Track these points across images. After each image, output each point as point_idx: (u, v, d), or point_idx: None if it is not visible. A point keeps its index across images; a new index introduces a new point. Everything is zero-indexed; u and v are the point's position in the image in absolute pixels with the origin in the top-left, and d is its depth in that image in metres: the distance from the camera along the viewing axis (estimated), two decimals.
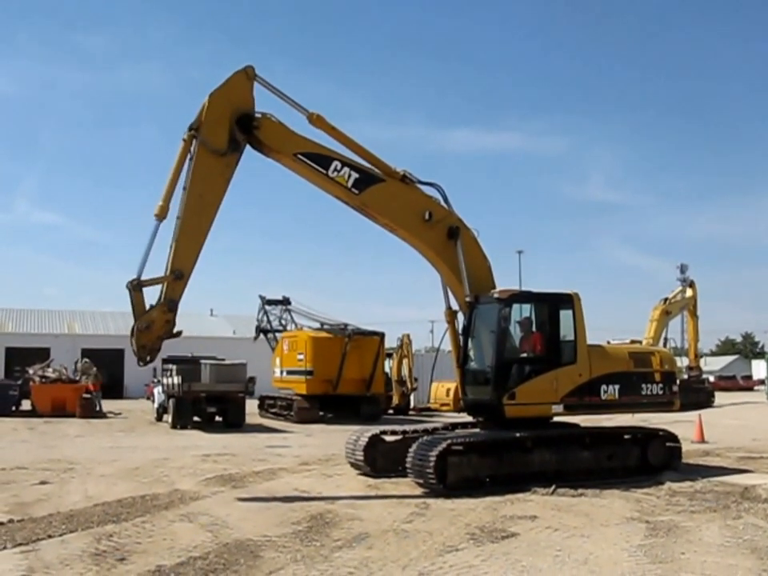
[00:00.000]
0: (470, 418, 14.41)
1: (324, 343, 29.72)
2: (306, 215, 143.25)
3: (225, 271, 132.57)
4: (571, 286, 14.18)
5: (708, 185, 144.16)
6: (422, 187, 13.62)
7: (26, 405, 31.67)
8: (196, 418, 26.22)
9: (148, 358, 11.97)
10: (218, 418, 26.72)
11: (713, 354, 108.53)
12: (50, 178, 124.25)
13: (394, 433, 14.05)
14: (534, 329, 13.56)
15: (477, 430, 13.68)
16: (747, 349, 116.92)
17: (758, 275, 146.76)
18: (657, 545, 8.65)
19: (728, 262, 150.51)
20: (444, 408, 31.13)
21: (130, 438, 22.34)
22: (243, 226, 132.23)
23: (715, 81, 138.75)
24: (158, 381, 30.53)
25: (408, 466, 12.23)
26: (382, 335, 30.85)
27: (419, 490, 12.11)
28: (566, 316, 13.36)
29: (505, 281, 13.98)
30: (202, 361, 27.50)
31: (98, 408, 32.34)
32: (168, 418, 26.70)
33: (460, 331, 13.81)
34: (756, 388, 71.92)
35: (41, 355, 41.49)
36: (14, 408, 31.05)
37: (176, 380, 25.49)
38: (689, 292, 41.71)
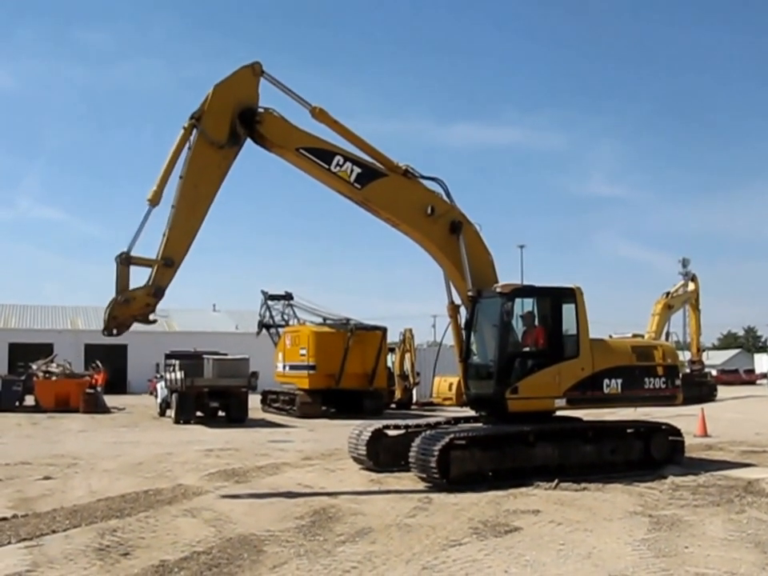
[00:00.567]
0: (472, 413, 14.41)
1: (326, 338, 29.72)
2: (308, 210, 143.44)
3: (227, 267, 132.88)
4: (573, 281, 14.17)
5: (709, 179, 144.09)
6: (425, 182, 13.60)
7: (29, 400, 31.78)
8: (199, 413, 26.22)
9: (114, 332, 11.78)
10: (220, 413, 26.72)
11: (715, 347, 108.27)
12: (52, 174, 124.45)
13: (396, 427, 14.05)
14: (536, 323, 13.55)
15: (479, 425, 13.68)
16: (749, 343, 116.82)
17: (761, 269, 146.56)
18: (660, 539, 8.65)
19: (730, 255, 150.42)
20: (446, 402, 31.12)
21: (134, 433, 22.36)
22: (245, 222, 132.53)
23: (716, 75, 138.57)
24: (161, 376, 30.53)
25: (411, 460, 12.23)
26: (384, 330, 30.82)
27: (422, 485, 12.12)
28: (568, 310, 13.35)
29: (506, 275, 14.00)
30: (205, 356, 27.50)
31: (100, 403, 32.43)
32: (171, 413, 26.70)
33: (462, 326, 13.80)
34: (758, 382, 71.97)
35: (44, 351, 41.63)
36: (17, 403, 31.13)
37: (179, 375, 25.49)
38: (691, 286, 41.69)
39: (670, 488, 11.86)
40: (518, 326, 13.52)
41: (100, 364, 35.67)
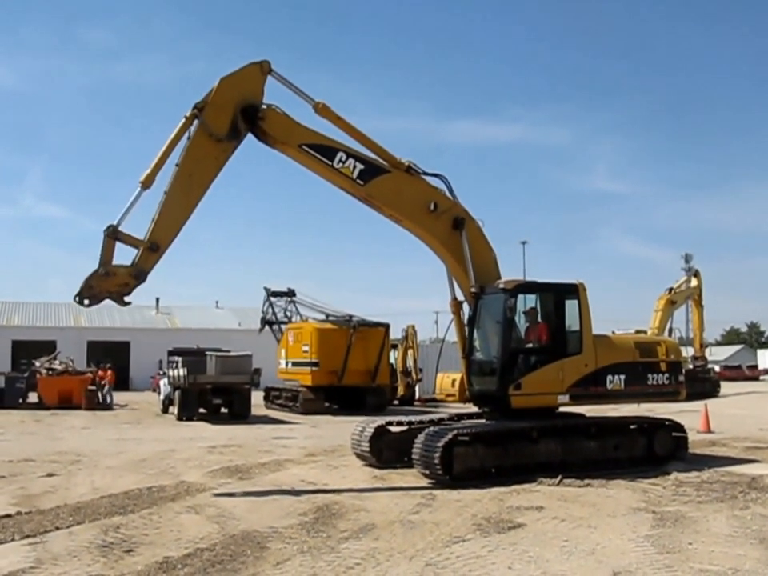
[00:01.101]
0: (475, 409, 14.40)
1: (329, 335, 29.75)
2: (311, 206, 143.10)
3: (230, 263, 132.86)
4: (575, 276, 14.15)
5: (712, 174, 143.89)
6: (427, 178, 13.56)
7: (32, 397, 31.82)
8: (202, 410, 26.28)
9: (86, 302, 11.60)
10: (223, 410, 26.80)
11: (718, 343, 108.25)
12: (55, 171, 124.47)
13: (399, 424, 14.05)
14: (539, 319, 13.54)
15: (482, 421, 13.67)
16: (752, 338, 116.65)
17: (764, 264, 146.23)
18: (664, 535, 8.63)
19: (733, 251, 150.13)
20: (449, 399, 30.92)
21: (136, 430, 22.40)
22: (247, 218, 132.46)
23: (719, 70, 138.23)
24: (164, 373, 30.58)
25: (414, 457, 12.23)
26: (386, 326, 30.85)
27: (425, 481, 12.11)
28: (571, 306, 13.33)
29: (509, 271, 13.97)
30: (208, 353, 27.52)
31: (108, 400, 32.50)
32: (174, 409, 26.78)
33: (465, 322, 13.79)
34: (762, 377, 71.98)
35: (47, 348, 41.62)
36: (20, 400, 31.19)
37: (182, 372, 25.51)
38: (693, 281, 41.62)
39: (673, 484, 11.83)
40: (521, 322, 13.51)
41: (107, 364, 35.67)
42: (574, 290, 13.42)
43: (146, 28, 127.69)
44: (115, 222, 11.46)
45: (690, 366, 39.48)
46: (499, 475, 12.11)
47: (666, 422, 14.28)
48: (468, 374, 13.73)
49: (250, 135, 12.60)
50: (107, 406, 31.87)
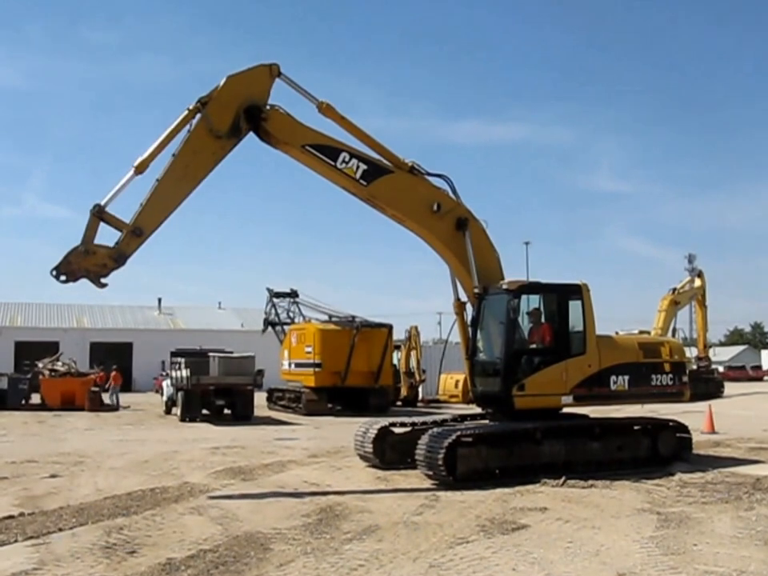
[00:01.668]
0: (478, 410, 14.37)
1: (332, 335, 29.72)
2: (313, 207, 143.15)
3: (232, 264, 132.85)
4: (579, 277, 14.13)
5: (717, 173, 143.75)
6: (431, 179, 13.54)
7: (35, 398, 31.85)
8: (204, 411, 26.28)
9: (62, 278, 11.39)
10: (226, 411, 26.78)
11: (721, 344, 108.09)
12: (58, 171, 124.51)
13: (402, 425, 14.02)
14: (543, 320, 13.51)
15: (486, 422, 13.65)
16: (756, 339, 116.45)
17: None
18: (668, 536, 8.60)
19: (737, 251, 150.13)
20: (453, 400, 31.10)
21: (139, 431, 22.39)
22: (251, 219, 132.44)
23: (725, 68, 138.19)
24: (167, 374, 30.60)
25: (418, 458, 12.20)
26: (389, 327, 30.82)
27: (428, 482, 12.09)
28: (575, 307, 13.30)
29: (512, 272, 13.96)
30: (211, 354, 27.54)
31: (115, 402, 32.50)
32: (177, 410, 26.75)
33: (469, 323, 13.76)
34: (765, 378, 71.83)
35: (50, 349, 41.68)
36: (23, 402, 31.23)
37: (185, 373, 25.53)
38: (697, 282, 41.56)
39: (677, 485, 11.81)
40: (525, 323, 13.48)
41: (112, 366, 35.68)
42: (577, 291, 13.39)
43: (150, 27, 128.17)
44: (102, 202, 11.42)
45: (694, 367, 39.46)
46: (503, 476, 12.08)
47: (670, 423, 14.25)
48: (471, 374, 13.70)
49: (252, 135, 12.59)
50: (114, 408, 31.86)
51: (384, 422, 14.05)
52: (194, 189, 12.12)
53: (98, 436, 20.76)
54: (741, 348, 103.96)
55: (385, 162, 13.19)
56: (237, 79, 12.29)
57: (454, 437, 11.89)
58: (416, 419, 14.47)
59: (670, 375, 14.02)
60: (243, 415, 26.05)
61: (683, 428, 14.21)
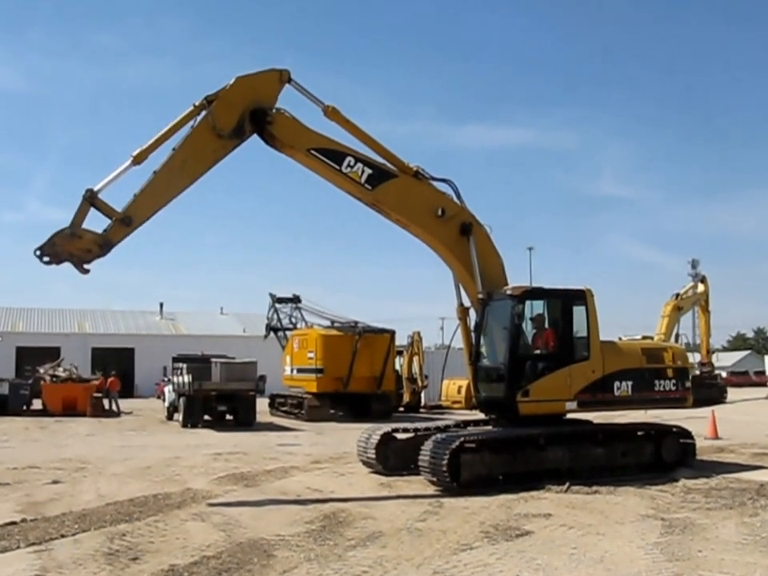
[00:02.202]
0: (481, 416, 14.34)
1: (334, 341, 29.70)
2: (316, 211, 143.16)
3: (234, 269, 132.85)
4: (582, 282, 14.12)
5: (719, 179, 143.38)
6: (435, 183, 13.50)
7: (36, 404, 31.76)
8: (206, 417, 26.24)
9: (45, 259, 11.19)
10: (228, 417, 26.72)
11: (725, 349, 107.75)
12: (61, 175, 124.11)
13: (405, 431, 13.99)
14: (547, 325, 13.49)
15: (489, 428, 13.61)
16: (759, 344, 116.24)
17: None
18: (673, 542, 8.57)
19: (740, 256, 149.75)
20: (456, 405, 31.09)
21: (141, 437, 22.37)
22: (252, 223, 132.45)
23: (728, 75, 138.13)
24: (169, 379, 30.57)
25: (421, 464, 12.17)
26: (392, 333, 30.79)
27: (432, 488, 12.06)
28: (579, 312, 13.28)
29: (515, 277, 13.94)
30: (213, 359, 27.53)
31: (115, 407, 32.48)
32: (179, 416, 26.73)
33: (472, 328, 13.73)
34: None
35: (51, 354, 41.71)
36: (24, 407, 31.18)
37: (186, 379, 25.50)
38: (700, 287, 41.52)
39: (681, 491, 11.77)
40: (528, 329, 13.45)
41: (111, 371, 35.67)
42: (581, 296, 13.37)
43: (154, 31, 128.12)
44: (96, 188, 11.35)
45: (697, 372, 39.39)
46: (506, 482, 12.05)
47: (674, 429, 14.21)
48: (475, 380, 13.65)
49: (257, 139, 12.54)
50: (114, 413, 31.83)
51: (387, 427, 14.02)
52: (189, 185, 12.01)
53: (100, 442, 20.73)
54: (744, 353, 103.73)
55: (389, 166, 13.16)
56: (246, 81, 12.25)
57: (457, 443, 11.86)
58: (419, 425, 14.45)
59: (673, 381, 14.00)
60: (245, 421, 26.01)
61: (687, 434, 14.17)
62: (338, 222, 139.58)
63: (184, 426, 25.58)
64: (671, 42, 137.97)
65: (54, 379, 32.71)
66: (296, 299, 37.87)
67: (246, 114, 12.16)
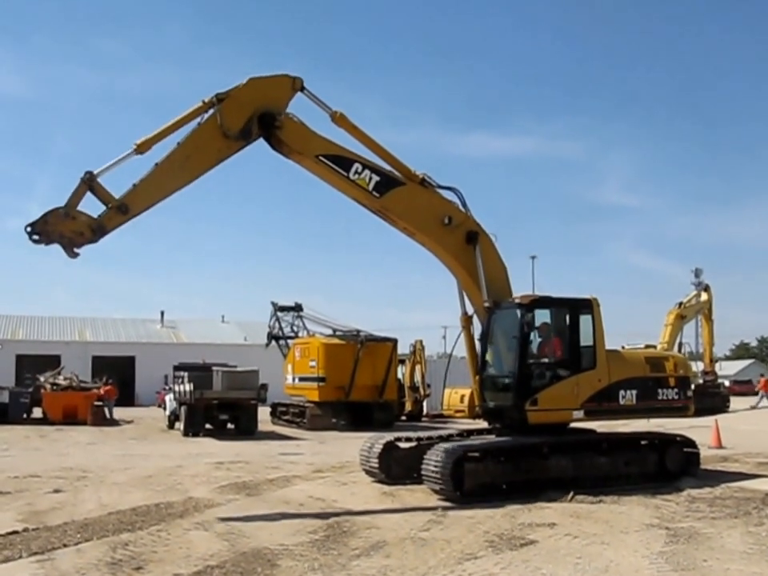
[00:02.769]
0: (484, 425, 14.31)
1: (336, 350, 29.64)
2: (317, 219, 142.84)
3: (236, 277, 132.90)
4: (585, 290, 14.10)
5: (724, 187, 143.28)
6: (441, 191, 13.43)
7: (37, 412, 31.67)
8: (208, 426, 26.16)
9: (35, 237, 10.98)
10: (230, 426, 26.65)
11: (727, 358, 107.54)
12: (63, 181, 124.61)
13: (408, 440, 13.95)
14: (554, 334, 13.47)
15: (492, 437, 13.56)
16: (763, 353, 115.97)
17: None
18: (678, 552, 8.54)
19: (743, 265, 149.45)
20: (458, 415, 30.84)
21: (142, 446, 22.32)
22: (254, 230, 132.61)
23: (733, 83, 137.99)
24: (170, 388, 30.51)
25: (424, 473, 12.12)
26: (394, 341, 30.74)
27: (435, 497, 12.02)
28: (585, 321, 13.26)
29: (518, 285, 13.91)
30: (214, 368, 27.44)
31: (109, 416, 32.38)
32: (180, 425, 26.65)
33: (476, 336, 13.69)
34: None
35: (51, 362, 41.66)
36: (25, 415, 31.08)
37: (188, 387, 25.42)
38: (703, 296, 41.38)
39: (686, 500, 11.74)
40: (535, 337, 13.42)
41: (108, 379, 35.61)
42: (588, 305, 13.36)
43: (158, 38, 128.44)
44: (95, 172, 11.17)
45: (700, 381, 39.30)
46: (510, 491, 12.01)
47: (678, 438, 14.18)
48: (481, 389, 13.57)
49: (260, 145, 12.40)
50: (115, 422, 31.75)
51: (390, 436, 13.98)
52: (190, 182, 11.83)
53: (101, 450, 20.67)
54: (747, 362, 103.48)
55: (396, 173, 13.07)
56: (258, 83, 12.13)
57: (461, 452, 11.83)
58: (421, 434, 14.41)
59: (676, 390, 13.98)
60: (247, 430, 25.92)
61: (691, 443, 14.14)
62: (340, 231, 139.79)
63: (185, 434, 25.49)
64: (676, 51, 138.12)
65: (55, 387, 32.62)
66: (298, 307, 37.82)
67: (255, 117, 12.01)
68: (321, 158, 12.51)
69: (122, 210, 11.21)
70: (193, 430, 25.53)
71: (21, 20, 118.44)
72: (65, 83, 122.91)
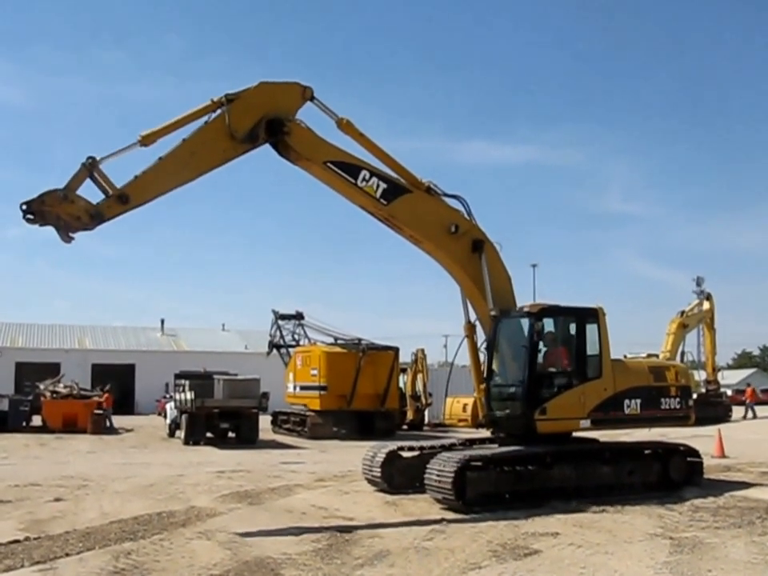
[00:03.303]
0: (486, 434, 14.27)
1: (338, 358, 29.58)
2: (319, 228, 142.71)
3: (236, 285, 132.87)
4: (586, 299, 14.08)
5: (726, 196, 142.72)
6: (446, 199, 13.39)
7: (36, 420, 31.56)
8: (209, 434, 26.08)
9: (30, 216, 10.75)
10: (231, 434, 26.58)
11: (730, 367, 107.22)
12: None
13: (410, 449, 13.92)
14: (560, 343, 13.45)
15: (495, 446, 13.52)
16: (765, 362, 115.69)
17: None
18: (682, 562, 8.51)
19: (746, 273, 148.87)
20: (461, 424, 30.77)
21: (143, 455, 22.25)
22: (255, 239, 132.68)
23: (735, 91, 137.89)
24: (170, 396, 30.45)
25: (427, 482, 12.08)
26: (396, 350, 30.66)
27: (438, 507, 11.97)
28: (591, 330, 13.26)
29: (519, 294, 13.87)
30: (215, 376, 27.37)
31: (108, 424, 32.30)
32: (180, 433, 26.57)
33: (479, 345, 13.64)
34: None
35: (51, 370, 41.56)
36: (24, 423, 30.98)
37: (189, 396, 25.35)
38: (706, 305, 41.33)
39: (689, 510, 11.70)
40: (542, 346, 13.37)
41: (105, 387, 35.54)
42: (594, 315, 13.37)
43: (157, 48, 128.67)
44: (98, 158, 11.08)
45: (703, 390, 39.25)
46: (513, 501, 11.97)
47: (681, 447, 14.16)
48: (487, 398, 13.48)
49: (266, 153, 12.34)
50: (110, 430, 31.66)
51: (392, 446, 13.95)
52: (193, 179, 11.74)
53: (101, 459, 20.62)
54: (749, 371, 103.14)
55: (402, 180, 13.02)
56: (269, 88, 12.10)
57: (463, 461, 11.78)
58: (423, 443, 14.38)
59: (677, 399, 14.00)
60: (248, 439, 25.85)
61: (694, 452, 14.11)
62: (341, 239, 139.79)
63: (186, 443, 25.43)
64: (678, 59, 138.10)
65: (55, 395, 32.55)
66: (299, 316, 37.77)
67: (263, 121, 11.94)
68: (329, 164, 12.44)
69: (121, 200, 11.08)
70: (194, 438, 25.46)
71: (21, 30, 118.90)
72: (64, 93, 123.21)
